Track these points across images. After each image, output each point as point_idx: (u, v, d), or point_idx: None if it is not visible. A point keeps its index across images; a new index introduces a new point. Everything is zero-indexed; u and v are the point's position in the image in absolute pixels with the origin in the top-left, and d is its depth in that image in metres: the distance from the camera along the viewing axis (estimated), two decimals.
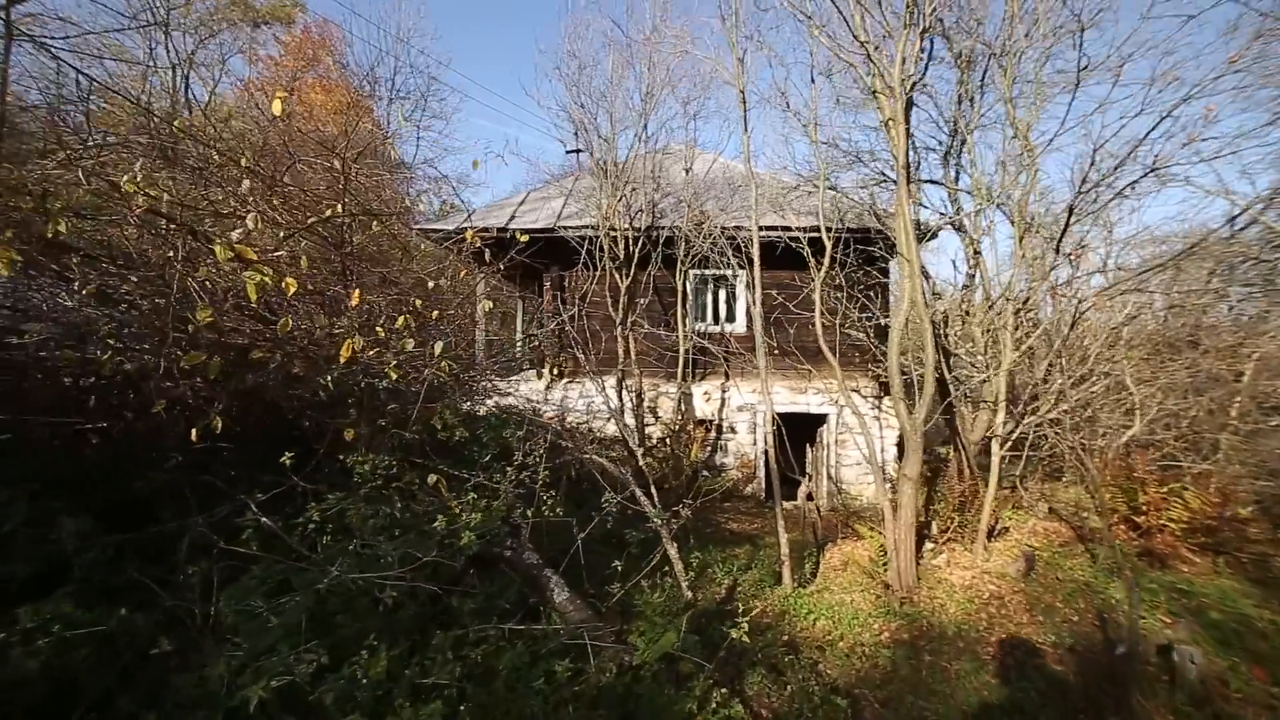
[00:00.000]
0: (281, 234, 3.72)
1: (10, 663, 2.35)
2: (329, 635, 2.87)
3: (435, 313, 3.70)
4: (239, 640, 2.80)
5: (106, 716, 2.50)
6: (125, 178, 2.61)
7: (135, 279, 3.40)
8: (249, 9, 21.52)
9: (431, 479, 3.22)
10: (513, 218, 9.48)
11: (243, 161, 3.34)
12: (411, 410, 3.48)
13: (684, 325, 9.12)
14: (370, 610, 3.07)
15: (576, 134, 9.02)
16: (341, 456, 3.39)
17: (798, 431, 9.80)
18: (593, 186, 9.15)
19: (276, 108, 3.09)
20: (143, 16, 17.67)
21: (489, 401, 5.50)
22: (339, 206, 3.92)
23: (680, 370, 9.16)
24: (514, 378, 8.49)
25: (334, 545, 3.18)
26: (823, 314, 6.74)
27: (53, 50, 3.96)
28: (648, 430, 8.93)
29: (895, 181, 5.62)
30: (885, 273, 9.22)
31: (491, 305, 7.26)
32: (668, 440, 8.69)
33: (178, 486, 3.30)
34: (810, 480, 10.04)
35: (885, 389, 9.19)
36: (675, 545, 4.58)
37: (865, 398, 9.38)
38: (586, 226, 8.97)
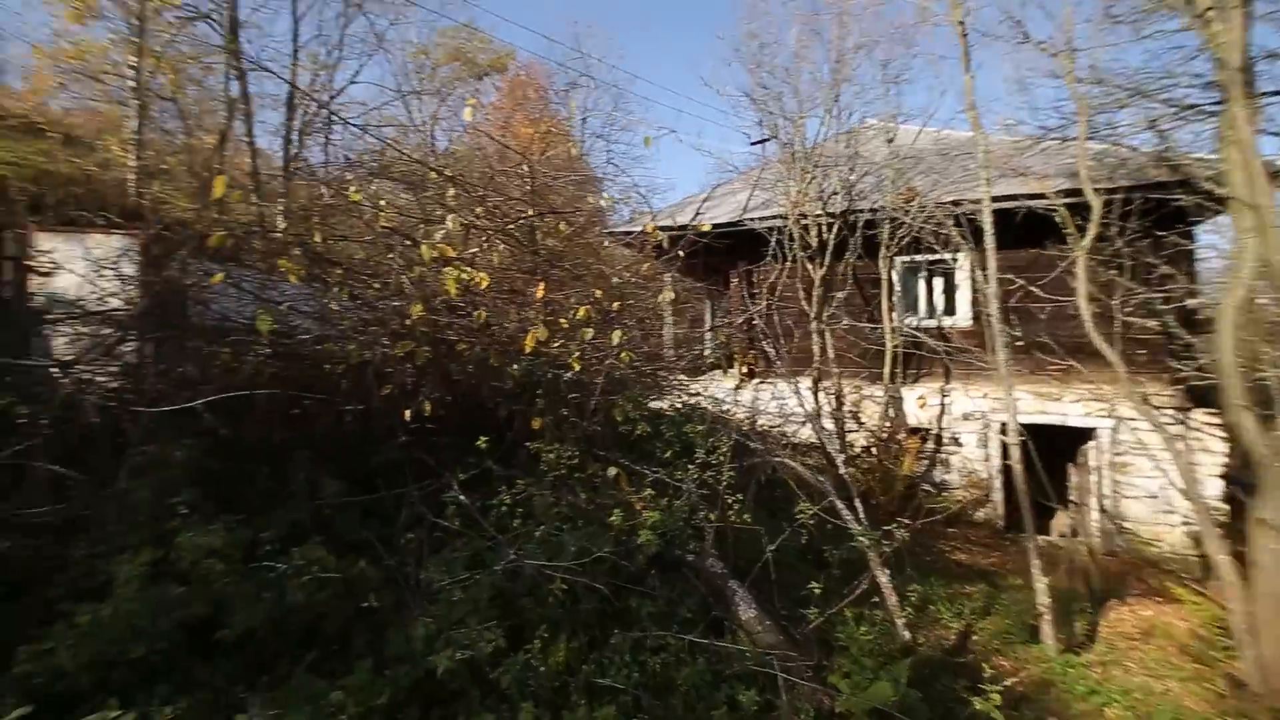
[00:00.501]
0: (483, 238, 4.04)
1: (287, 592, 2.78)
2: (512, 617, 2.90)
3: (616, 304, 3.61)
4: (435, 607, 2.99)
5: (344, 650, 2.83)
6: (353, 189, 3.00)
7: (375, 285, 3.99)
8: (474, 65, 25.42)
9: (611, 472, 3.10)
10: (697, 214, 9.36)
11: (447, 171, 3.67)
12: (592, 401, 3.43)
13: (890, 319, 7.96)
14: (551, 598, 3.04)
15: (760, 122, 8.55)
16: (530, 444, 3.47)
17: (1048, 448, 7.81)
18: (780, 174, 8.56)
19: (467, 114, 3.32)
20: (405, 88, 22.03)
21: (674, 398, 5.37)
22: (530, 210, 4.12)
23: (887, 370, 8.00)
24: (702, 378, 8.30)
25: (521, 529, 3.25)
26: (1091, 297, 5.19)
27: (350, 123, 4.93)
28: (850, 437, 7.96)
29: (1217, 103, 4.04)
30: (1188, 236, 6.88)
31: (674, 296, 7.16)
32: (874, 449, 7.63)
33: (401, 462, 3.73)
34: (1073, 511, 7.92)
35: (1195, 397, 6.80)
36: (887, 572, 3.82)
37: (1157, 408, 7.07)
38: (775, 216, 8.41)
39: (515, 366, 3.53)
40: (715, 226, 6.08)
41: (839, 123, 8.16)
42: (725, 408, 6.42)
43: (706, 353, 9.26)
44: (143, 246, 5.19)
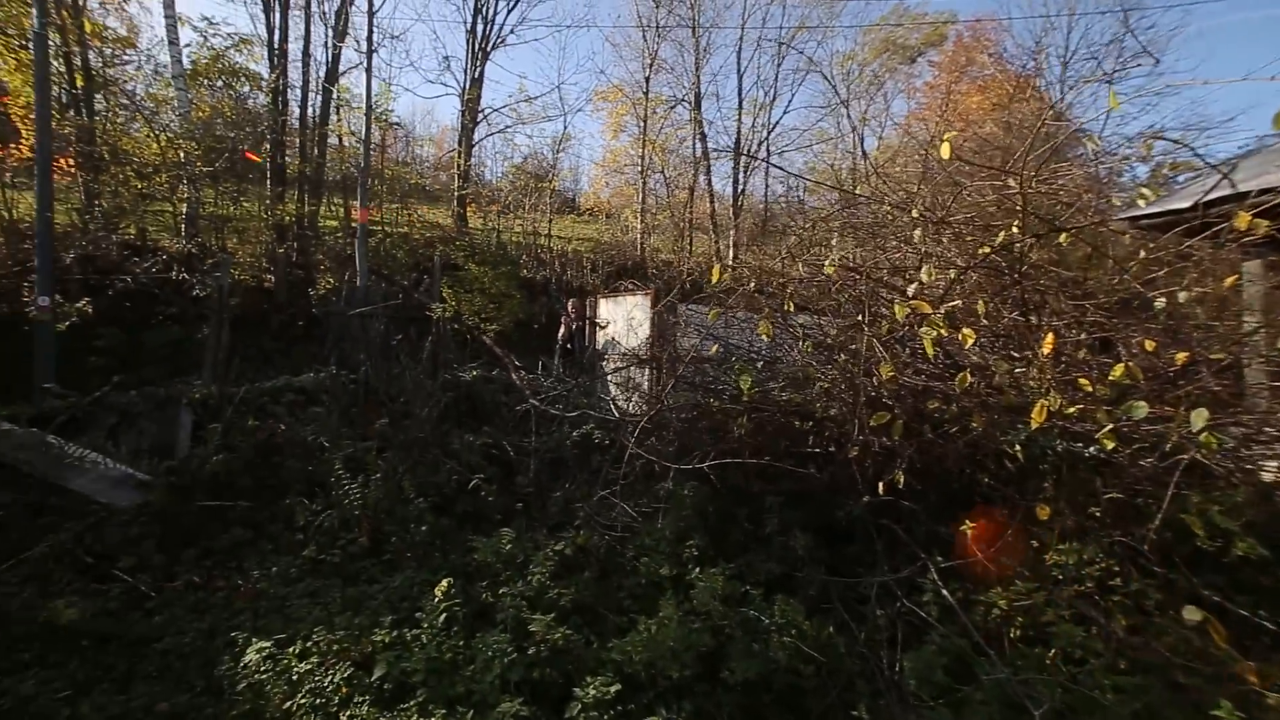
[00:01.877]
0: (952, 273, 3.46)
1: (769, 648, 3.02)
2: None
3: (1181, 355, 2.48)
4: (929, 706, 2.65)
5: None
6: (828, 260, 2.98)
7: (835, 333, 3.98)
8: (905, 49, 23.38)
9: (1193, 615, 2.09)
10: None
11: (913, 212, 3.27)
12: (1144, 498, 2.42)
13: None
14: None
15: None
16: (1034, 538, 2.74)
17: None
18: None
19: (945, 151, 2.83)
20: (833, 101, 22.13)
21: None
22: (1014, 228, 3.29)
23: None
24: None
25: (1026, 649, 2.58)
26: None
27: (783, 169, 5.23)
28: None
29: None
30: None
31: None
32: None
33: (865, 523, 3.57)
34: None
35: None
36: None
37: None
38: None
39: (1009, 436, 2.85)
40: None
41: None
42: None
43: None
44: (652, 298, 7.01)
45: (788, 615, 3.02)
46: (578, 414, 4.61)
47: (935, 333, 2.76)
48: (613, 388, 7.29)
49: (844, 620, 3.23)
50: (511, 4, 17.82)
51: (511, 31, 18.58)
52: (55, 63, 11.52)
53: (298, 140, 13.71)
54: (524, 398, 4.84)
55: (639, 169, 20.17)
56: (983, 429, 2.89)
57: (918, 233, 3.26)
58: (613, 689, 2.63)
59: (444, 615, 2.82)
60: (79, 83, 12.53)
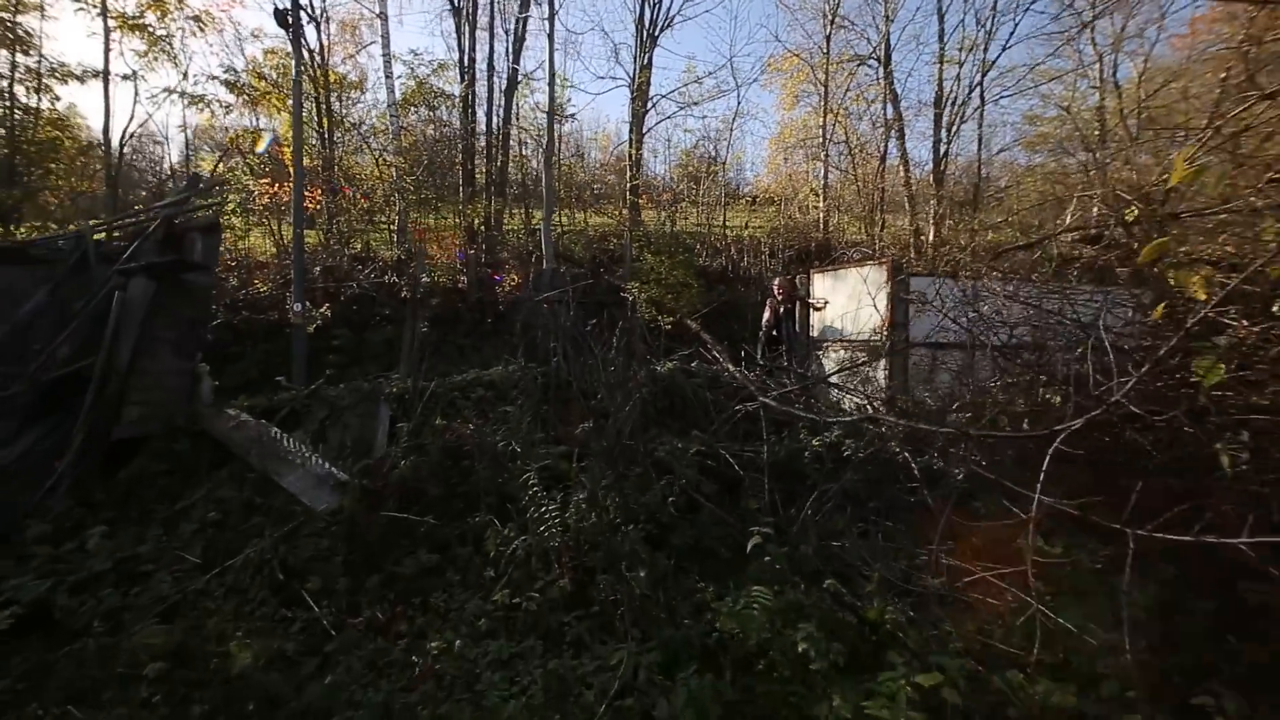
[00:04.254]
0: None
1: None
2: None
3: None
4: None
5: None
6: None
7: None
8: None
9: None
10: None
11: None
12: None
13: None
14: None
15: None
16: None
17: None
18: None
19: None
20: (1067, 33, 17.59)
21: None
22: None
23: None
24: None
25: None
26: None
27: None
28: None
29: None
30: None
31: None
32: None
33: None
34: None
35: None
36: None
37: None
38: None
39: None
40: None
41: None
42: None
43: None
44: (889, 270, 5.35)
45: None
46: (819, 415, 3.28)
47: None
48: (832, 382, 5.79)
49: None
50: None
51: (679, 12, 17.72)
52: (307, 105, 13.49)
53: (484, 143, 14.33)
54: (747, 395, 3.64)
55: (819, 141, 17.99)
56: None
57: None
58: None
59: None
60: (324, 124, 14.57)
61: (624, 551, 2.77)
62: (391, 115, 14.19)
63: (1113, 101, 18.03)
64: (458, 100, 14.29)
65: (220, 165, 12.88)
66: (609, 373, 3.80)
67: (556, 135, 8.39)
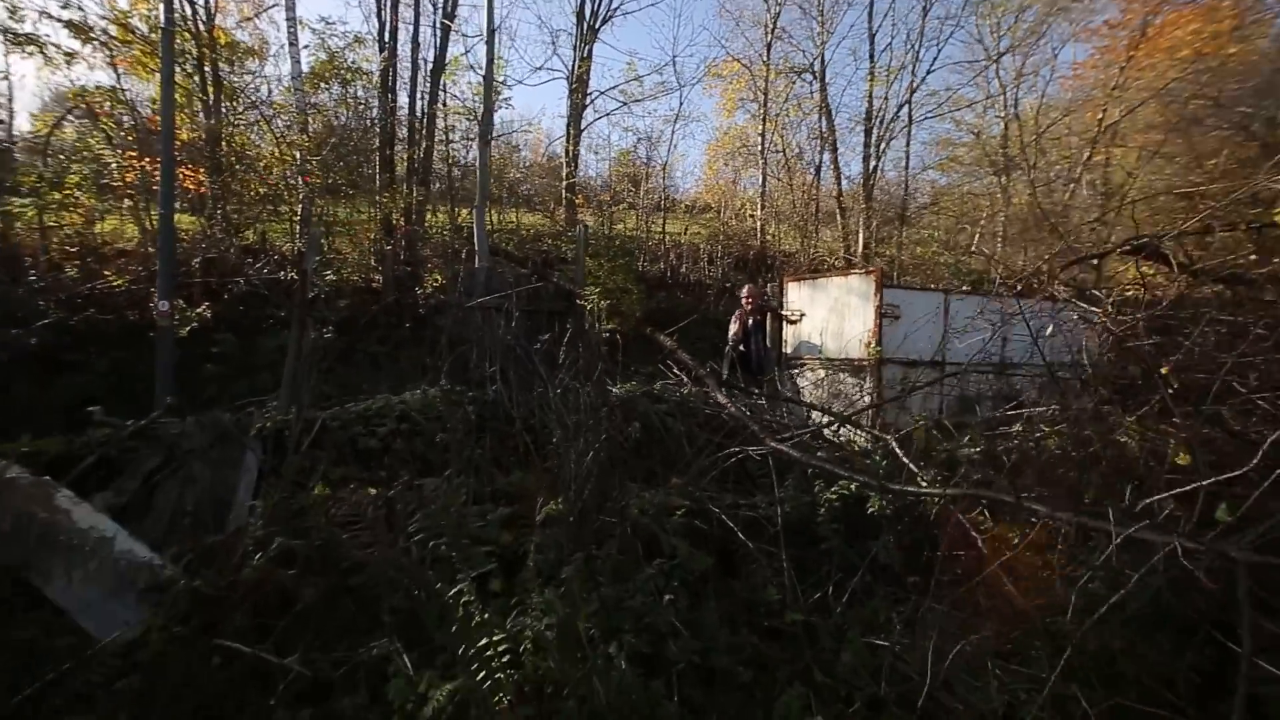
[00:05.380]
0: None
1: None
2: None
3: None
4: None
5: None
6: None
7: None
8: None
9: None
10: None
11: None
12: None
13: None
14: None
15: None
16: None
17: None
18: None
19: None
20: (977, 66, 18.50)
21: None
22: None
23: None
24: None
25: None
26: None
27: None
28: None
29: None
30: None
31: None
32: None
33: None
34: None
35: None
36: None
37: None
38: None
39: None
40: None
41: None
42: None
43: None
44: (876, 281, 4.70)
45: None
46: (869, 478, 2.48)
47: None
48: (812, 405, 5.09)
49: None
50: None
51: (620, 7, 16.86)
52: (186, 69, 11.27)
53: (405, 129, 12.76)
54: (748, 436, 2.79)
55: (759, 149, 17.77)
56: None
57: None
58: None
59: None
60: (210, 91, 12.33)
61: (613, 689, 1.81)
62: (296, 89, 12.29)
63: (1015, 131, 19.13)
64: (376, 77, 12.61)
65: (60, 128, 10.41)
66: (567, 405, 2.82)
67: (494, 107, 7.27)
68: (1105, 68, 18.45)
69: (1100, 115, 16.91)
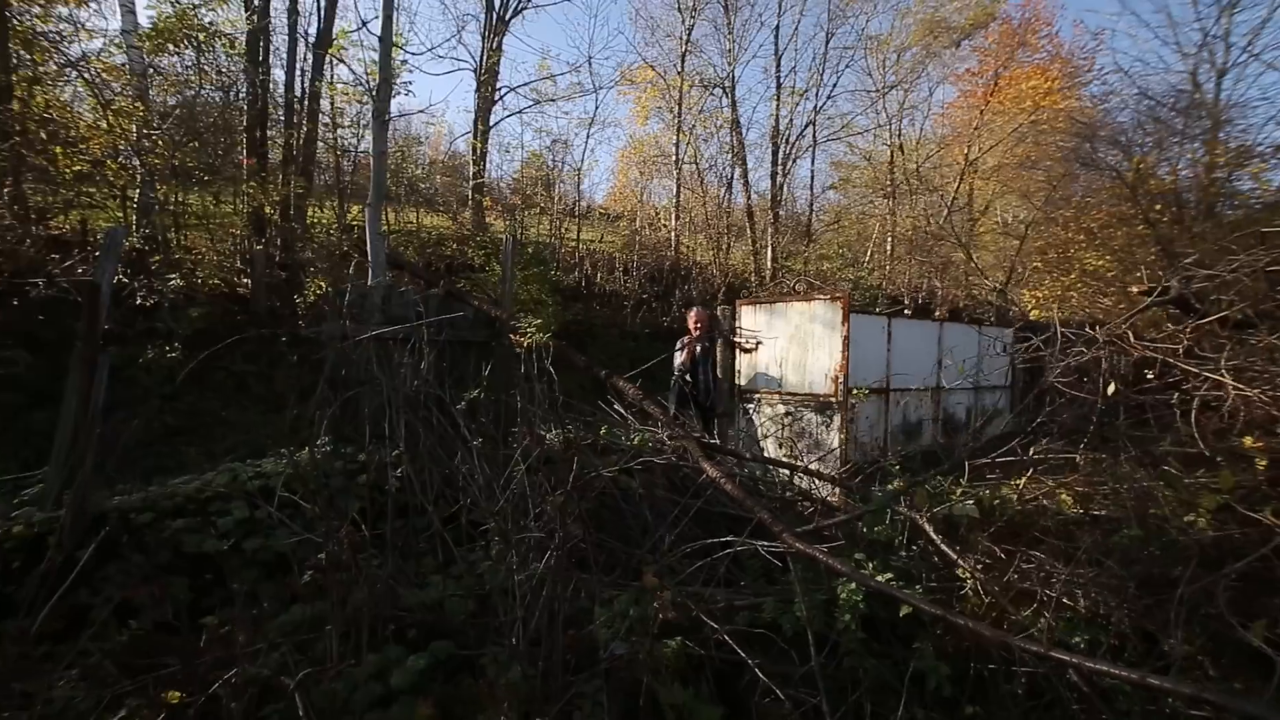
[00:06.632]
0: None
1: None
2: None
3: None
4: None
5: None
6: None
7: None
8: (949, 30, 20.79)
9: None
10: None
11: None
12: None
13: None
14: None
15: None
16: None
17: None
18: None
19: None
20: (870, 96, 19.70)
21: None
22: None
23: None
24: None
25: None
26: None
27: None
28: None
29: None
30: None
31: None
32: None
33: None
34: None
35: None
36: None
37: None
38: None
39: None
40: None
41: None
42: None
43: None
44: (844, 307, 4.21)
45: None
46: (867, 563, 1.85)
47: None
48: (770, 447, 4.53)
49: None
50: None
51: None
52: None
53: (283, 109, 10.81)
54: (757, 528, 2.09)
55: (672, 159, 17.47)
56: None
57: None
58: None
59: None
60: None
61: None
62: (130, 47, 9.93)
63: (900, 159, 20.63)
64: (241, 43, 10.53)
65: None
66: (508, 498, 1.95)
67: (392, 79, 5.91)
68: (969, 109, 20.53)
69: (966, 151, 18.70)
